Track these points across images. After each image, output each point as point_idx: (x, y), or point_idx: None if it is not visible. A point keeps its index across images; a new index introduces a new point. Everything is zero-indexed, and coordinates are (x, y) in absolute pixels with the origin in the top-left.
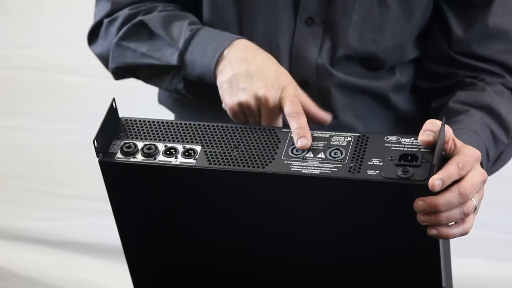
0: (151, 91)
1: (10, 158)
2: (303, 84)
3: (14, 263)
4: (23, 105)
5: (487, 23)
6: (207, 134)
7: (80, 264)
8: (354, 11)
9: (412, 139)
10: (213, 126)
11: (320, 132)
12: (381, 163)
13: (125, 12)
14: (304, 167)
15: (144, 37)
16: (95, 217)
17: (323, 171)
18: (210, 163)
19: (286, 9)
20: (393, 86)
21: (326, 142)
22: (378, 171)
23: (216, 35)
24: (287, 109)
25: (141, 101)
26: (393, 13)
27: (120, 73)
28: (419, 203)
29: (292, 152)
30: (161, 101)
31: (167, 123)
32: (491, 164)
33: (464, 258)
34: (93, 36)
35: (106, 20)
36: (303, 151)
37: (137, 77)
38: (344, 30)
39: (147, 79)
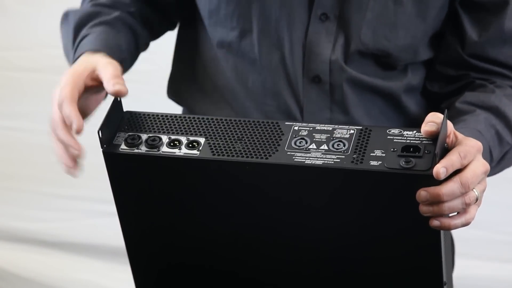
0: (151, 93)
1: (10, 159)
2: (316, 79)
3: (13, 264)
4: (22, 106)
5: (502, 28)
6: (211, 126)
7: (80, 265)
8: (368, 8)
9: (415, 131)
10: (216, 119)
11: (323, 125)
12: (384, 154)
13: None
14: (307, 158)
15: (68, 29)
16: (95, 218)
17: (326, 161)
18: (214, 155)
19: (300, 4)
20: (405, 87)
21: (329, 135)
22: (380, 162)
23: (88, 45)
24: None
25: (141, 102)
26: (407, 11)
27: None
28: (422, 193)
29: (295, 144)
30: (169, 95)
31: (171, 116)
32: (494, 164)
33: (464, 259)
34: None
35: None
36: (306, 142)
37: None
38: (358, 27)
39: None
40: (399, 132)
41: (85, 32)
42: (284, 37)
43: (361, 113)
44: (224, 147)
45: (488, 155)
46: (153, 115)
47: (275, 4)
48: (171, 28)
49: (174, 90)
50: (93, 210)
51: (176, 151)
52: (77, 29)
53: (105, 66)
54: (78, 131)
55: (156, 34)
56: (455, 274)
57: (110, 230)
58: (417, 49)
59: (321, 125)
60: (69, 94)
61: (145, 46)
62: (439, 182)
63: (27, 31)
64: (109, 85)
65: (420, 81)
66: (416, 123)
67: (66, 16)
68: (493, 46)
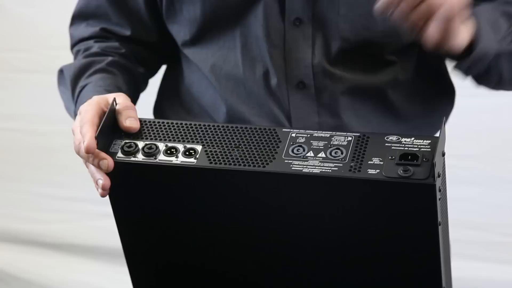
0: (151, 94)
1: (10, 160)
2: (300, 85)
3: (14, 265)
4: (23, 107)
5: None
6: (208, 134)
7: (80, 267)
8: (340, 3)
9: (413, 138)
10: (213, 126)
11: (321, 132)
12: (382, 163)
13: (78, 47)
14: (305, 166)
15: (65, 84)
16: (95, 220)
17: (323, 170)
18: (211, 163)
19: (272, 14)
20: (393, 82)
21: (326, 142)
22: (378, 170)
23: (87, 94)
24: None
25: (141, 104)
26: None
27: None
28: None
29: (292, 151)
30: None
31: (167, 123)
32: (504, 36)
33: (464, 261)
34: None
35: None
36: (304, 150)
37: None
38: (335, 24)
39: None
40: (397, 139)
41: (83, 83)
42: (264, 49)
43: (349, 113)
44: (221, 154)
45: (489, 26)
46: (149, 121)
47: (251, 19)
48: (166, 62)
49: (161, 116)
50: (92, 211)
51: (173, 159)
52: (73, 82)
53: (117, 95)
54: (87, 150)
55: (153, 70)
56: (454, 276)
57: (109, 231)
58: (399, 32)
59: (318, 131)
60: (90, 118)
61: (144, 84)
62: (435, 191)
63: (26, 32)
64: (122, 118)
65: (409, 76)
66: (405, 120)
67: (61, 72)
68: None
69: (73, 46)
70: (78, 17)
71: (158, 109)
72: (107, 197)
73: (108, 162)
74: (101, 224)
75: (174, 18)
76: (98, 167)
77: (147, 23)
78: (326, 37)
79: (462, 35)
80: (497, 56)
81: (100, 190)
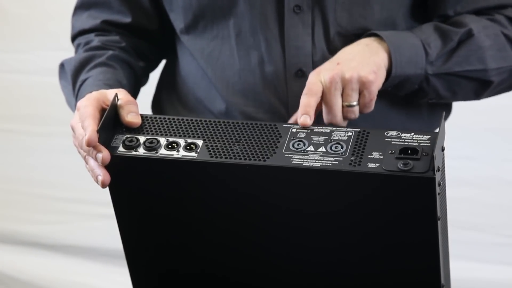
0: (150, 95)
1: (9, 161)
2: (299, 73)
3: (12, 267)
4: (21, 108)
5: None
6: (209, 129)
7: (79, 268)
8: None
9: (412, 134)
10: (214, 121)
11: (321, 127)
12: (382, 157)
13: (78, 40)
14: (305, 160)
15: (66, 79)
16: (94, 221)
17: (324, 164)
18: (212, 157)
19: (269, 1)
20: None
21: (326, 137)
22: (378, 164)
23: (88, 88)
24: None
25: (140, 104)
26: None
27: None
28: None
29: (293, 146)
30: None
31: (168, 118)
32: (446, 54)
33: (463, 262)
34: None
35: (76, 41)
36: (304, 144)
37: None
38: (333, 12)
39: None
40: (397, 134)
41: (83, 77)
42: (260, 37)
43: None
44: (222, 149)
45: (420, 49)
46: (151, 117)
47: (246, 7)
48: (166, 56)
49: (159, 112)
50: (91, 212)
51: (174, 154)
52: (74, 76)
53: (118, 91)
54: (88, 143)
55: (153, 63)
56: (453, 277)
57: (108, 232)
58: (395, 21)
59: (319, 127)
60: (91, 113)
61: (145, 78)
62: (435, 185)
63: (26, 34)
64: (124, 112)
65: None
66: (403, 108)
67: (62, 66)
68: None
69: (73, 37)
70: (80, 7)
71: (156, 102)
72: (106, 198)
73: (103, 155)
74: (98, 225)
75: (170, 6)
76: (95, 159)
77: (148, 9)
78: (325, 25)
79: (382, 72)
80: (427, 77)
81: (100, 184)
